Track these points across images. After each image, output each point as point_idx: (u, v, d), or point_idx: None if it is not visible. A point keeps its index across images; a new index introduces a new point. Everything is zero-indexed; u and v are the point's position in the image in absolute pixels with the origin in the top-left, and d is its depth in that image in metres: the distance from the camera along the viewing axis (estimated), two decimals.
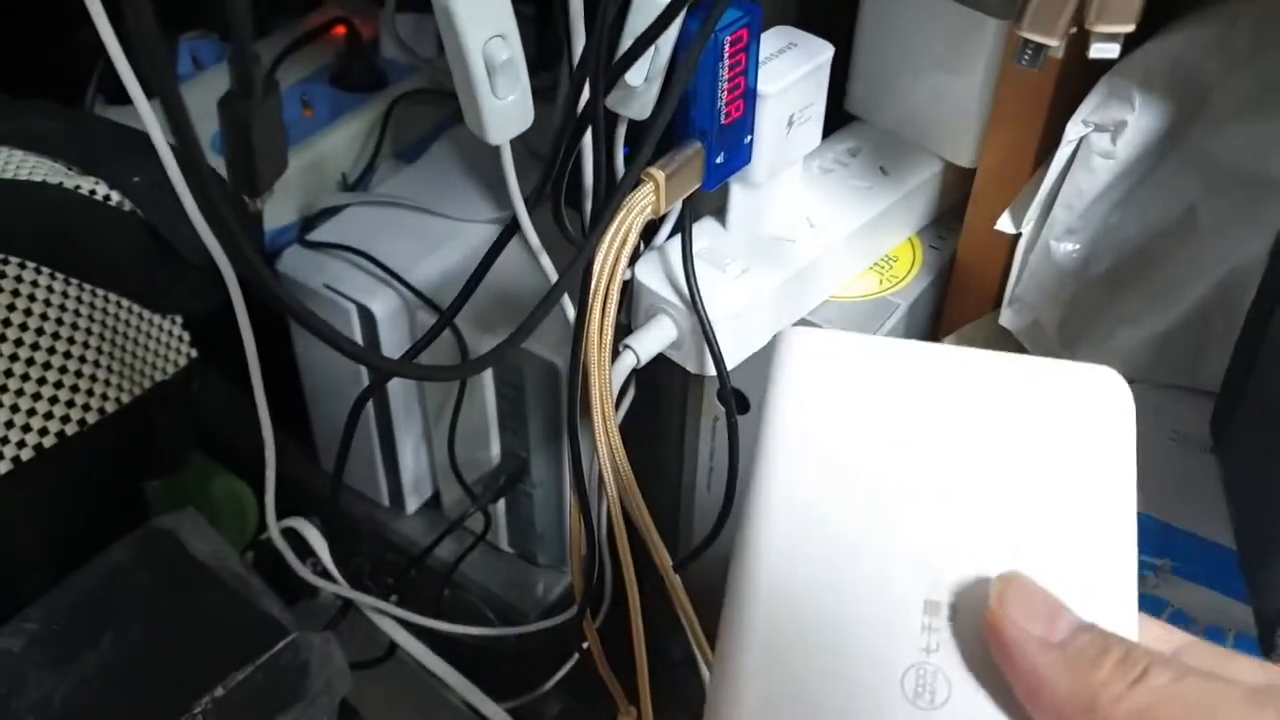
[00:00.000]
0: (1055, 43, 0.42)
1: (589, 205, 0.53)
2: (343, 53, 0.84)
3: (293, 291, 0.75)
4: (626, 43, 0.51)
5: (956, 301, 0.65)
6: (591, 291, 0.54)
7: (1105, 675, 0.30)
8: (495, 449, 0.82)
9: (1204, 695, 0.30)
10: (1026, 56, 0.43)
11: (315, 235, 0.77)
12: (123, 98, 0.55)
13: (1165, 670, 0.30)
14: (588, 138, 0.54)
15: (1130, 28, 0.41)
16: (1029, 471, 0.34)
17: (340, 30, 0.85)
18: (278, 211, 0.78)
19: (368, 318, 0.73)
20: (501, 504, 0.83)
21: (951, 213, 0.67)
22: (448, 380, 0.71)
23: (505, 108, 0.47)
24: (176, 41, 0.84)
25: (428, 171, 0.82)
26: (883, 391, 0.35)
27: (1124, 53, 0.55)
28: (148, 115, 0.49)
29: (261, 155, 0.39)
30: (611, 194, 0.51)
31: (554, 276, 0.57)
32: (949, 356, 0.36)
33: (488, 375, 0.78)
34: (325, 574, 0.71)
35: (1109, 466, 0.34)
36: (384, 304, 0.73)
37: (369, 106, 0.83)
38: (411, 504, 0.84)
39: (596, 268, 0.54)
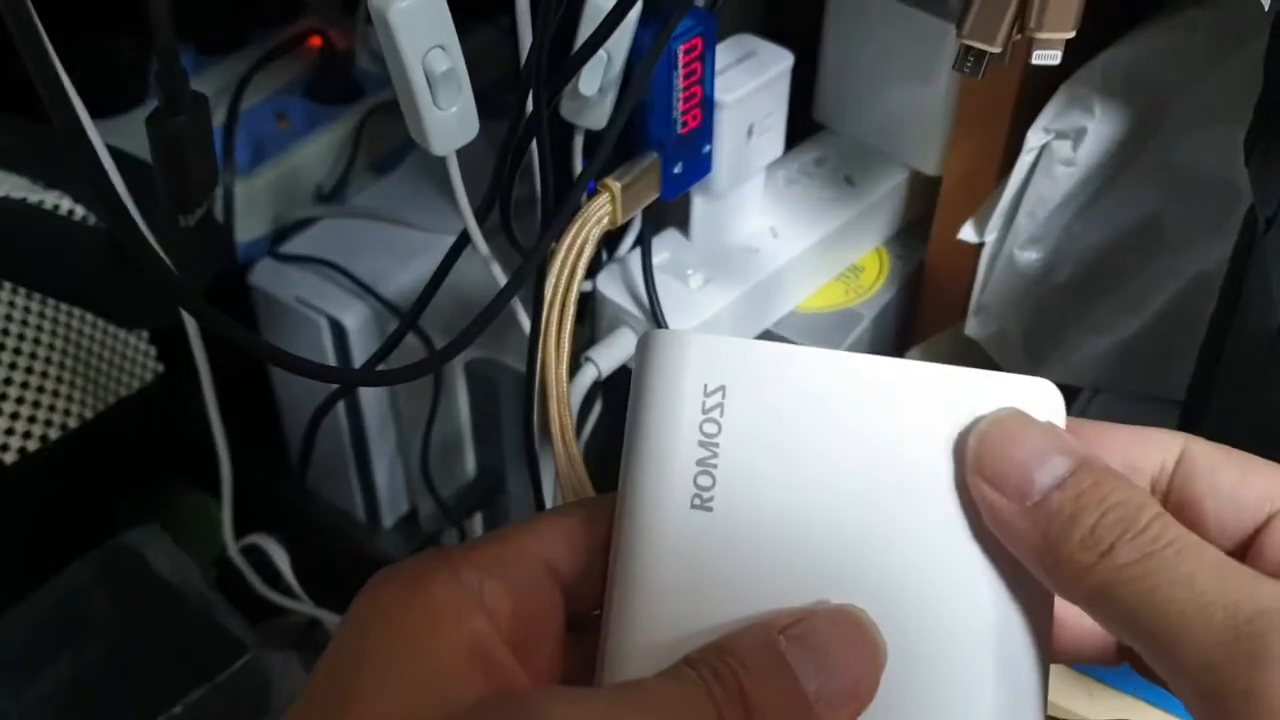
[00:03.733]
0: (996, 49, 0.41)
1: (539, 215, 0.53)
2: (318, 65, 0.84)
3: (264, 304, 0.75)
4: None
5: (926, 311, 0.65)
6: (547, 303, 0.54)
7: (1072, 546, 0.29)
8: (470, 463, 0.81)
9: (1164, 580, 0.28)
10: (968, 64, 0.42)
11: (287, 248, 0.76)
12: (97, 113, 0.55)
13: (1134, 546, 0.29)
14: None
15: (1070, 34, 0.40)
16: (947, 486, 0.32)
17: (315, 42, 0.85)
18: (250, 224, 0.77)
19: (339, 331, 0.73)
20: (478, 518, 0.82)
21: (919, 223, 0.66)
22: (375, 386, 0.71)
23: (448, 118, 0.46)
24: (149, 56, 0.84)
25: (402, 183, 0.82)
26: (801, 401, 0.32)
27: (1085, 60, 0.55)
28: (97, 138, 0.49)
29: (191, 172, 0.39)
30: (562, 204, 0.51)
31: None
32: (870, 366, 0.33)
33: (461, 388, 0.77)
34: (291, 591, 0.71)
35: None
36: (355, 317, 0.73)
37: (344, 118, 0.82)
38: (387, 519, 0.84)
39: (552, 279, 0.53)
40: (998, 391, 0.33)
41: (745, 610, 0.31)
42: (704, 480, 0.32)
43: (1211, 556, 0.28)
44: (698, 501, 0.32)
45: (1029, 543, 0.30)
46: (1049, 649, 0.32)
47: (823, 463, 0.32)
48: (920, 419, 0.32)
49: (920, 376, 0.33)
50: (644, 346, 0.33)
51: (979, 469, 0.31)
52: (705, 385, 0.32)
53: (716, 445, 0.32)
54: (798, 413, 0.32)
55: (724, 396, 0.32)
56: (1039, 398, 0.33)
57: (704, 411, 0.32)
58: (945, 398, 0.33)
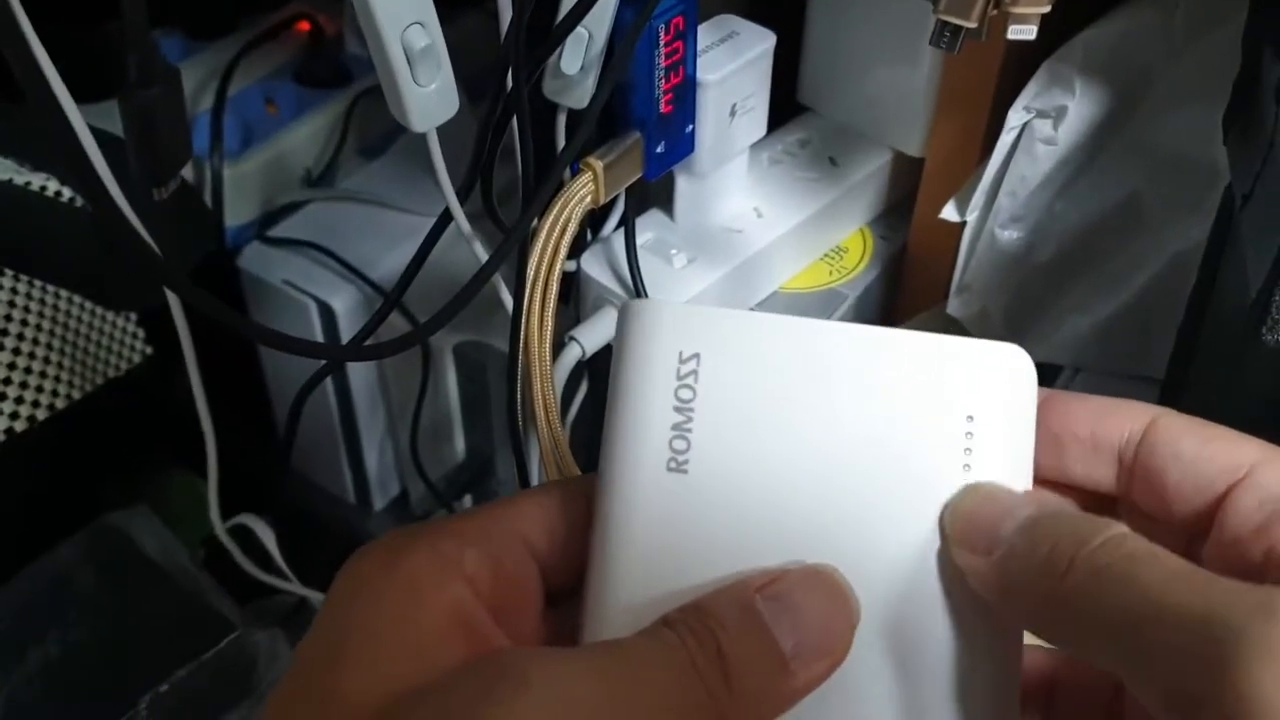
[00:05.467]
0: (972, 25, 0.41)
1: (520, 193, 0.53)
2: (306, 49, 0.84)
3: (252, 288, 0.75)
4: None
5: (908, 292, 0.65)
6: (529, 282, 0.54)
7: (1031, 576, 0.29)
8: (460, 444, 0.82)
9: (1120, 589, 0.28)
10: (945, 40, 0.42)
11: (276, 231, 0.77)
12: (87, 96, 0.55)
13: (1088, 560, 0.28)
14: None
15: (1045, 8, 0.40)
16: (919, 450, 0.33)
17: (304, 27, 0.85)
18: (239, 208, 0.77)
19: (328, 314, 0.73)
20: (468, 500, 0.82)
21: (902, 204, 0.66)
22: (360, 360, 0.71)
23: (428, 95, 0.47)
24: None
25: (390, 167, 0.82)
26: (774, 367, 0.33)
27: (1066, 39, 0.55)
28: (77, 118, 0.49)
29: (163, 144, 0.39)
30: (543, 182, 0.51)
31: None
32: (844, 333, 0.34)
33: (450, 371, 0.77)
34: (279, 571, 0.71)
35: (1004, 447, 0.33)
36: (344, 300, 0.73)
37: (332, 103, 0.83)
38: (378, 501, 0.84)
39: (534, 258, 0.54)
40: (969, 357, 0.33)
41: (721, 571, 0.31)
42: (679, 444, 0.32)
43: (1171, 564, 0.28)
44: (673, 465, 0.32)
45: (999, 591, 0.31)
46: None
47: (796, 427, 0.32)
48: (892, 384, 0.33)
49: (892, 343, 0.33)
50: (622, 316, 0.34)
51: (953, 536, 0.32)
52: (680, 352, 0.33)
53: (691, 410, 0.32)
54: (771, 378, 0.33)
55: (698, 363, 0.33)
56: (1009, 363, 0.33)
57: (679, 378, 0.33)
58: (917, 364, 0.33)
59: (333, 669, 0.29)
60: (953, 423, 0.33)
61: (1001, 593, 0.31)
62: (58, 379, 0.66)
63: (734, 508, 0.32)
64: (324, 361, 0.68)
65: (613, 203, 0.59)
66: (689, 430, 0.32)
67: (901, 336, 0.33)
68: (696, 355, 0.33)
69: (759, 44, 0.57)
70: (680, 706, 0.28)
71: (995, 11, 0.42)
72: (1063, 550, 0.29)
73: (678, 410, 0.33)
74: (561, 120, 0.55)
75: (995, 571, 0.30)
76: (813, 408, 0.33)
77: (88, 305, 0.68)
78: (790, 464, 0.32)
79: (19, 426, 0.64)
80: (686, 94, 0.55)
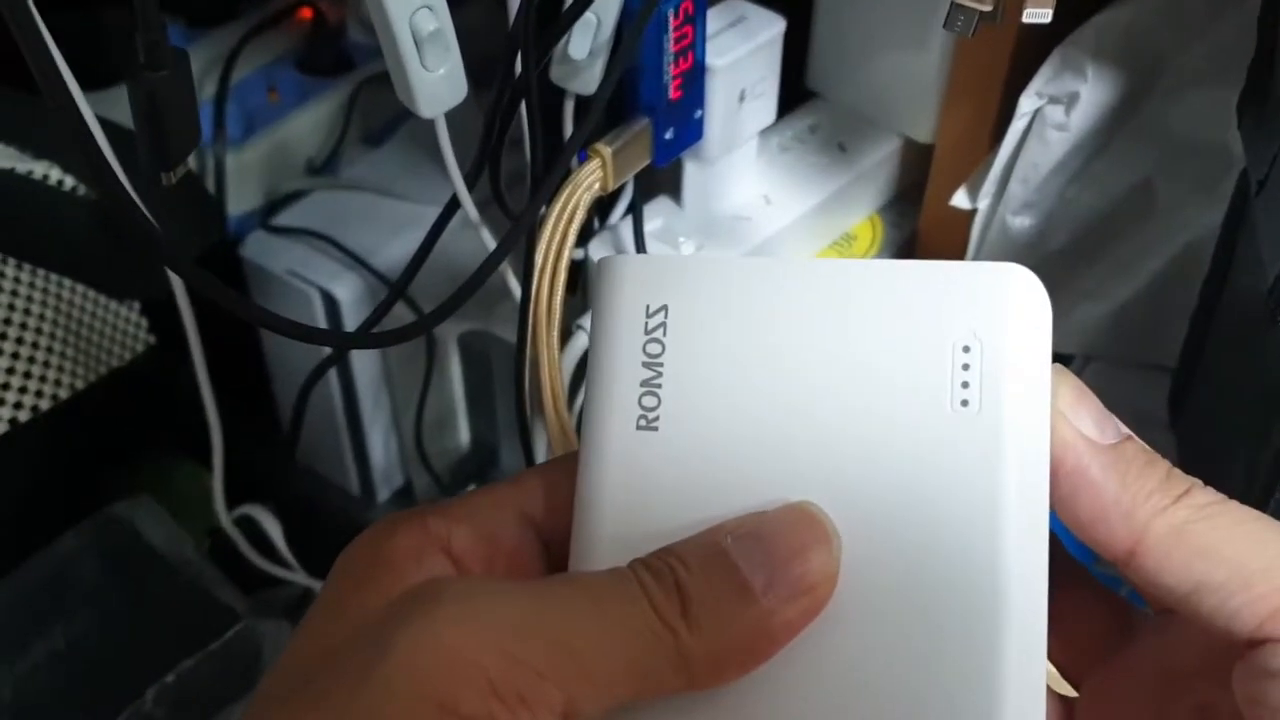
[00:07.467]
0: (987, 8, 0.41)
1: (528, 180, 0.52)
2: (309, 36, 0.84)
3: (256, 277, 0.75)
4: None
5: None
6: (537, 269, 0.54)
7: (1152, 486, 0.29)
8: (465, 436, 0.81)
9: (1246, 520, 0.29)
10: (959, 23, 0.42)
11: (279, 220, 0.76)
12: (92, 84, 0.54)
13: (1209, 493, 0.29)
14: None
15: None
16: (905, 386, 0.30)
17: (306, 13, 0.84)
18: (242, 197, 0.77)
19: (331, 303, 0.73)
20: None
21: (913, 191, 0.66)
22: (365, 348, 0.71)
23: (436, 80, 0.46)
24: None
25: (394, 156, 0.82)
26: (746, 311, 0.32)
27: (1077, 23, 0.54)
28: (85, 106, 0.49)
29: (172, 129, 0.38)
30: (551, 169, 0.51)
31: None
32: (817, 269, 0.32)
33: (454, 362, 0.77)
34: (284, 561, 0.71)
35: (1011, 378, 0.30)
36: (348, 289, 0.73)
37: (335, 90, 0.82)
38: (382, 493, 0.84)
39: (542, 245, 0.53)
40: (960, 282, 0.31)
41: (700, 525, 0.30)
42: (649, 401, 0.32)
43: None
44: (643, 422, 0.31)
45: (1100, 481, 0.30)
46: (1045, 567, 0.30)
47: (771, 374, 0.31)
48: (873, 318, 0.31)
49: (872, 274, 0.31)
50: (594, 275, 0.33)
51: (1066, 402, 0.30)
52: (647, 306, 0.32)
53: (660, 365, 0.32)
54: (743, 324, 0.32)
55: (666, 315, 0.32)
56: (1009, 285, 0.31)
57: (647, 332, 0.32)
58: (899, 294, 0.31)
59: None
60: (942, 354, 0.30)
61: (1103, 487, 0.30)
62: (61, 369, 0.65)
63: (709, 460, 0.31)
64: (329, 351, 0.68)
65: (621, 190, 0.59)
66: (658, 386, 0.32)
67: (882, 267, 0.32)
68: (664, 307, 0.32)
69: (769, 29, 0.56)
70: (628, 632, 0.28)
71: None
72: (1178, 477, 0.30)
73: (647, 366, 0.32)
74: (569, 106, 0.54)
75: (1105, 459, 0.30)
76: (788, 352, 0.31)
77: (91, 294, 0.68)
78: (767, 412, 0.31)
79: (22, 417, 0.63)
80: (695, 79, 0.55)
